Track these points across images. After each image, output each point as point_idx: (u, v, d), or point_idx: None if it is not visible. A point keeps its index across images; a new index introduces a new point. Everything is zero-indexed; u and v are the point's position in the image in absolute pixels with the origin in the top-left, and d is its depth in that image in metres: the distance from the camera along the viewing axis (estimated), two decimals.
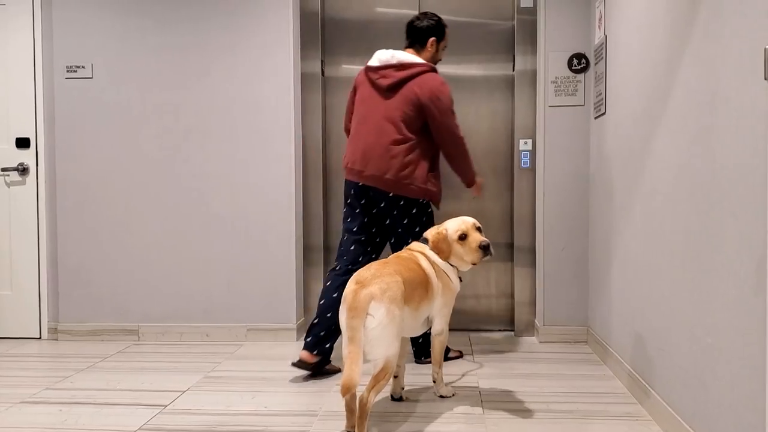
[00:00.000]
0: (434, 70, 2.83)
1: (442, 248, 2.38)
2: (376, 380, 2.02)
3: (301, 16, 3.57)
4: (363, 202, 2.86)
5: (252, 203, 3.46)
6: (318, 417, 2.30)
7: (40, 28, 3.54)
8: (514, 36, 3.52)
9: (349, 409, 2.12)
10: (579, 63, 3.34)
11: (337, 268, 2.85)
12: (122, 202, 3.53)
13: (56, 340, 3.56)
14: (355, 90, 2.97)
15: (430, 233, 2.45)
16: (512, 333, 3.62)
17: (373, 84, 2.85)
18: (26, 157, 3.58)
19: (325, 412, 2.34)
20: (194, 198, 3.49)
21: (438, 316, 2.40)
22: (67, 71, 3.52)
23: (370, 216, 2.88)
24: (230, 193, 3.47)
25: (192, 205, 3.49)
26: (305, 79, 3.59)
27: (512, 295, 3.63)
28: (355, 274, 2.15)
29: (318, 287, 3.63)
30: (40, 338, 3.60)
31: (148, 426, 2.23)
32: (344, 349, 2.05)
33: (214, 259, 3.49)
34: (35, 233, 3.58)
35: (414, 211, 2.82)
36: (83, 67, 3.51)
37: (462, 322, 3.62)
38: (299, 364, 2.73)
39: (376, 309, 2.02)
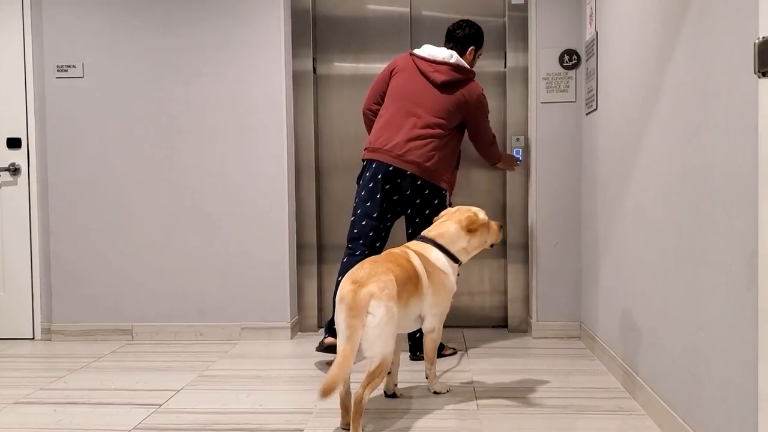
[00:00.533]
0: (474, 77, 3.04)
1: (477, 228, 2.47)
2: (372, 378, 2.03)
3: (292, 14, 3.56)
4: (387, 187, 2.90)
5: (245, 202, 3.46)
6: (313, 414, 2.30)
7: (29, 28, 3.51)
8: (506, 33, 3.53)
9: (344, 406, 2.12)
10: (570, 59, 3.35)
11: (357, 253, 2.88)
12: (115, 201, 3.51)
13: (50, 340, 3.55)
14: (390, 73, 3.05)
15: (443, 226, 2.48)
16: (506, 329, 3.63)
17: (425, 75, 2.94)
18: (17, 157, 3.55)
19: (320, 410, 2.34)
20: (187, 197, 3.48)
21: (429, 314, 2.40)
22: (58, 70, 3.50)
23: (389, 202, 2.93)
24: (223, 192, 3.47)
25: (185, 204, 3.48)
26: (297, 77, 3.59)
27: (505, 292, 3.64)
28: (350, 274, 2.15)
29: (312, 285, 3.64)
30: (33, 339, 3.59)
31: (142, 425, 2.22)
32: (338, 346, 2.05)
33: (208, 258, 3.48)
34: (27, 233, 3.56)
35: (436, 201, 2.92)
36: (74, 66, 3.50)
37: (456, 318, 3.63)
38: (331, 348, 2.70)
39: (376, 307, 2.03)
